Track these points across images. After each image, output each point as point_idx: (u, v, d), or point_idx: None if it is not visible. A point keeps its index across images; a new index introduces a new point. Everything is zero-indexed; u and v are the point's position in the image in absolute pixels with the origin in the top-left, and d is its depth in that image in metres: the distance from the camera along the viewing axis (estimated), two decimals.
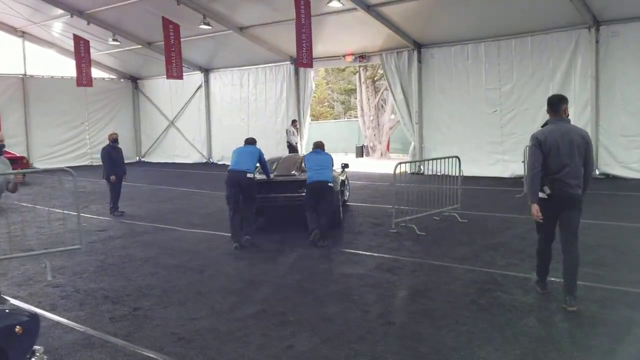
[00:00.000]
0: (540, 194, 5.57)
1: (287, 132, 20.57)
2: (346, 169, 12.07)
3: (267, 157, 9.79)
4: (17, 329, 3.41)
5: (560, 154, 5.47)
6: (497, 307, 5.69)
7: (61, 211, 12.54)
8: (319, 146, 9.66)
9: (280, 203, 9.74)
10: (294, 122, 20.90)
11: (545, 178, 5.56)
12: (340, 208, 10.41)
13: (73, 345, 5.06)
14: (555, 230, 5.76)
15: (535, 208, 5.58)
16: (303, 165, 10.04)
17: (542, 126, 5.75)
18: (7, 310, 3.70)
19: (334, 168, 9.86)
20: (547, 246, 5.89)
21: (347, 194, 12.56)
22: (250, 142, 9.75)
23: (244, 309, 5.87)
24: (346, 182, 12.32)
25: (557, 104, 5.64)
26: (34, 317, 3.69)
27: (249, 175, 8.80)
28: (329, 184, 8.97)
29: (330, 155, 9.61)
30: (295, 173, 10.21)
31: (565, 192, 5.52)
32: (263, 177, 9.67)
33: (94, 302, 6.10)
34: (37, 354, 3.69)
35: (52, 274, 6.79)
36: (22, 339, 3.47)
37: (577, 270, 5.61)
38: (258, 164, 9.34)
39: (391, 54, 18.71)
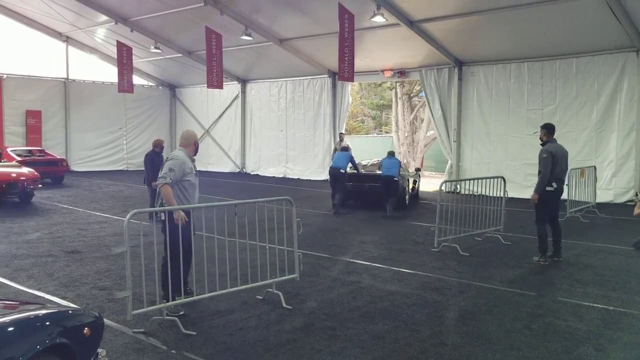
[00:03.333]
0: (549, 188, 8.34)
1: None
2: (419, 172, 17.55)
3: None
4: (86, 330, 3.40)
5: (561, 163, 8.45)
6: (551, 333, 5.53)
7: (102, 214, 12.73)
8: (390, 153, 14.27)
9: (365, 189, 14.41)
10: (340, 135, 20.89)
11: (551, 177, 8.33)
12: (406, 196, 14.63)
13: (124, 349, 5.06)
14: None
15: (536, 197, 8.40)
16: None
17: (542, 144, 8.62)
18: (75, 311, 3.69)
19: (404, 169, 15.05)
20: (545, 228, 8.50)
21: (416, 189, 16.71)
22: (344, 149, 14.84)
23: (292, 322, 5.81)
24: (417, 181, 16.83)
25: (554, 130, 8.75)
26: (100, 318, 3.69)
27: (341, 170, 13.72)
28: (395, 178, 13.28)
29: (398, 159, 14.28)
30: (376, 170, 14.78)
31: (562, 187, 8.66)
32: (354, 171, 14.28)
33: (140, 306, 6.09)
34: (100, 357, 3.68)
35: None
36: (90, 340, 3.46)
37: (561, 237, 8.68)
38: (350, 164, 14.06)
39: (431, 70, 18.63)
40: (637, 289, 7.10)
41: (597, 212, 13.12)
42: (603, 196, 14.64)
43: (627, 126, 14.86)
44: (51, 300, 6.47)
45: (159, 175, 6.15)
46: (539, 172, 8.51)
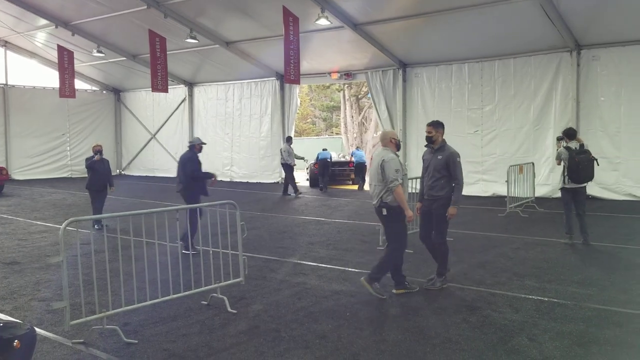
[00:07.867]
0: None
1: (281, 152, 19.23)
2: None
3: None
4: (15, 343, 3.33)
5: None
6: (488, 325, 5.73)
7: (43, 224, 12.38)
8: (358, 147, 22.98)
9: (338, 172, 21.92)
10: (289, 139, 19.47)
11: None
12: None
13: None
14: None
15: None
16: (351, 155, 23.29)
17: (434, 145, 7.30)
18: (4, 324, 3.62)
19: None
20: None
21: None
22: (325, 150, 20.82)
23: (236, 325, 5.82)
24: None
25: None
26: (32, 331, 3.61)
27: (327, 160, 20.13)
28: (365, 164, 21.14)
29: (362, 151, 22.60)
30: (344, 159, 24.40)
31: None
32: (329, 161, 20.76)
33: (80, 316, 5.98)
34: None
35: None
36: (20, 353, 3.39)
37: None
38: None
39: (376, 72, 18.91)
40: (570, 280, 7.41)
41: (536, 207, 13.60)
42: (541, 191, 15.19)
43: (563, 123, 15.39)
44: None
45: (391, 179, 6.41)
46: (455, 178, 6.99)
